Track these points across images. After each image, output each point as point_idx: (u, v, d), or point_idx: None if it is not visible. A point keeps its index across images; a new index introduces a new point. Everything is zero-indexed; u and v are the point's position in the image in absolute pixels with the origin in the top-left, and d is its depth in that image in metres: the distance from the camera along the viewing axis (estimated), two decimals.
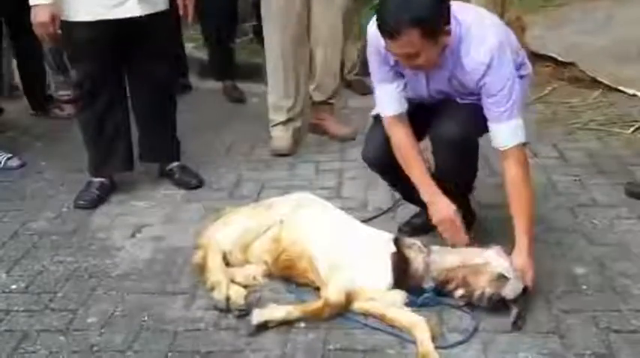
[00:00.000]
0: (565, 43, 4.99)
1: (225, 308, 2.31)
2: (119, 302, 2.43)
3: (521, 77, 2.39)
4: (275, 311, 2.23)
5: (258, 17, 5.33)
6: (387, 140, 2.53)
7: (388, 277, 2.30)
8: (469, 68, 2.30)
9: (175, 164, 3.38)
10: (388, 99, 2.48)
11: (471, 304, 2.31)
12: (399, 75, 2.44)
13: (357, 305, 2.29)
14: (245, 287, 2.43)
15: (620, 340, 2.14)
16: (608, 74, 4.54)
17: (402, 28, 2.12)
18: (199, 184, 3.35)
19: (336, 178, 3.42)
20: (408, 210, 2.97)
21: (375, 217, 2.97)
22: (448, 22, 2.22)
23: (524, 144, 2.35)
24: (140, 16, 2.96)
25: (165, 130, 3.34)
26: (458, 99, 2.46)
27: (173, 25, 3.25)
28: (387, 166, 2.61)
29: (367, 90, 4.69)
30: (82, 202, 3.15)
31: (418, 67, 2.31)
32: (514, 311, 2.25)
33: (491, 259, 2.33)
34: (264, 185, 3.37)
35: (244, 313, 2.28)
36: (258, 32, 5.41)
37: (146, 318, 2.33)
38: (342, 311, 2.27)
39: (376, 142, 2.61)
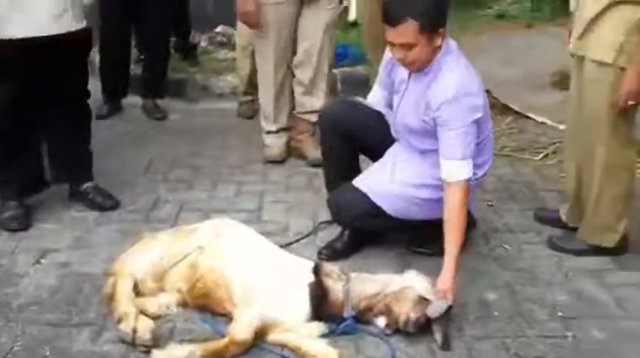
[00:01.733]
0: (480, 71, 5.15)
1: (132, 342, 2.23)
2: (19, 335, 2.31)
3: (477, 121, 2.48)
4: (176, 352, 2.15)
5: (179, 33, 5.32)
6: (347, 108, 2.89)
7: (305, 308, 2.29)
8: (438, 91, 2.46)
9: (89, 184, 3.26)
10: (371, 95, 2.89)
11: (396, 330, 2.33)
12: (389, 87, 2.76)
13: (271, 337, 2.26)
14: (158, 317, 2.38)
15: None
16: (520, 102, 4.72)
17: (403, 17, 2.37)
18: (114, 206, 3.24)
19: (257, 201, 3.39)
20: (329, 233, 2.99)
21: (295, 241, 2.97)
22: (443, 26, 2.44)
23: (467, 180, 2.45)
24: (53, 35, 2.86)
25: (77, 148, 3.22)
26: (412, 141, 2.64)
27: (88, 42, 3.13)
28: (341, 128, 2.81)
29: (292, 109, 4.71)
30: (14, 225, 3.00)
31: (410, 64, 2.49)
32: (440, 333, 2.30)
33: (411, 283, 2.37)
34: (182, 207, 3.30)
35: (151, 347, 2.21)
36: (177, 48, 5.37)
37: (48, 353, 2.23)
38: (248, 347, 2.22)
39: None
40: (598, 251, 2.84)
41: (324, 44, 3.75)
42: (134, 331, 2.24)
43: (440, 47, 2.47)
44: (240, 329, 2.20)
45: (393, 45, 2.48)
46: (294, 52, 3.79)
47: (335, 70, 5.19)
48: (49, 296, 2.54)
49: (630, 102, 2.58)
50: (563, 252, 2.89)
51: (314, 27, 3.71)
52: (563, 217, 3.07)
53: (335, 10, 3.80)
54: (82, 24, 3.00)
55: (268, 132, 3.92)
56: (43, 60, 2.89)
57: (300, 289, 2.31)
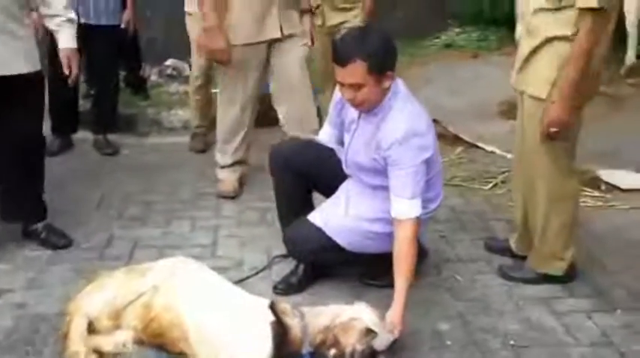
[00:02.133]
0: (429, 101, 5.30)
1: None
2: None
3: (426, 160, 2.54)
4: None
5: (129, 67, 5.32)
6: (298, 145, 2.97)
7: (267, 347, 2.29)
8: (387, 132, 2.52)
9: (41, 223, 3.23)
10: (322, 132, 2.97)
11: None
12: (339, 126, 2.83)
13: None
14: (115, 355, 2.36)
15: None
16: (469, 131, 4.87)
17: (352, 58, 2.41)
18: (67, 244, 3.21)
19: (212, 236, 3.40)
20: (283, 267, 3.02)
21: (249, 277, 2.98)
22: (392, 69, 2.48)
23: (417, 217, 2.51)
24: (6, 76, 2.85)
25: (30, 188, 3.19)
26: (363, 178, 2.69)
27: (41, 85, 3.12)
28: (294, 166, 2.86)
29: None
30: None
31: (358, 104, 2.54)
32: None
33: (359, 314, 2.40)
34: (137, 243, 3.29)
35: None
36: (128, 82, 5.36)
37: None
38: None
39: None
40: (547, 279, 2.93)
41: (304, 79, 3.76)
42: None
43: (389, 89, 2.53)
44: None
45: (342, 85, 2.53)
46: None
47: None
48: (5, 338, 2.50)
49: (553, 130, 2.67)
50: (513, 280, 2.98)
51: (291, 63, 3.70)
52: (513, 246, 3.17)
53: (306, 45, 3.80)
54: (37, 67, 3.00)
55: (222, 167, 3.94)
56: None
57: (261, 328, 2.31)
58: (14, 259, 3.09)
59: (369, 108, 2.57)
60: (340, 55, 2.46)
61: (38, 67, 3.03)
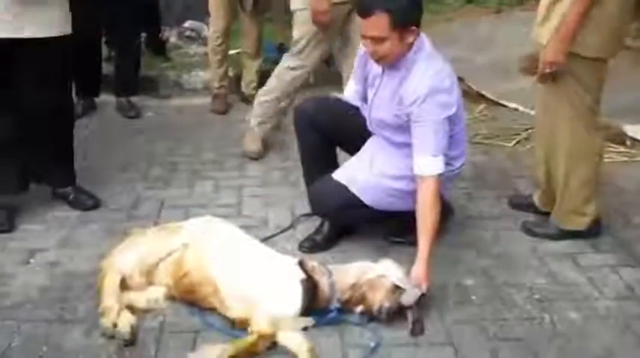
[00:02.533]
0: (452, 59, 5.25)
1: (111, 336, 2.28)
2: (15, 332, 2.34)
3: (449, 117, 2.53)
4: (210, 353, 2.17)
5: (149, 29, 5.31)
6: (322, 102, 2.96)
7: (297, 303, 2.34)
8: (410, 88, 2.51)
9: (70, 186, 3.28)
10: (347, 89, 2.97)
11: (371, 318, 2.41)
12: (364, 82, 2.82)
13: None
14: (147, 311, 2.43)
15: (507, 348, 2.30)
16: (492, 89, 4.83)
17: (374, 10, 2.40)
18: (95, 205, 3.26)
19: (236, 196, 3.44)
20: (308, 226, 3.05)
21: (275, 235, 3.02)
22: (416, 25, 2.47)
23: (439, 174, 2.52)
24: (34, 38, 2.87)
25: (61, 154, 3.24)
26: (386, 135, 2.69)
27: (68, 49, 3.13)
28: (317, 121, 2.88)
29: None
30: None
31: (380, 59, 2.53)
32: (410, 317, 2.37)
33: (385, 272, 2.44)
34: (163, 204, 3.33)
35: (128, 343, 2.26)
36: (148, 44, 5.36)
37: (44, 349, 2.26)
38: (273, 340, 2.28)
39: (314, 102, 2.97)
40: (570, 235, 2.95)
41: None
42: (114, 325, 2.29)
43: (412, 44, 2.51)
44: (265, 324, 2.25)
45: (364, 37, 2.52)
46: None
47: None
48: (40, 295, 2.57)
49: (547, 70, 2.69)
50: (537, 236, 3.00)
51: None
52: (537, 202, 3.18)
53: None
54: (69, 30, 3.02)
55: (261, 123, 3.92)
56: (28, 60, 2.91)
57: (293, 285, 2.36)
58: (45, 220, 3.15)
59: (390, 62, 2.56)
60: (363, 6, 2.45)
61: (69, 31, 3.04)
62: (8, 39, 2.82)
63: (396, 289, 2.39)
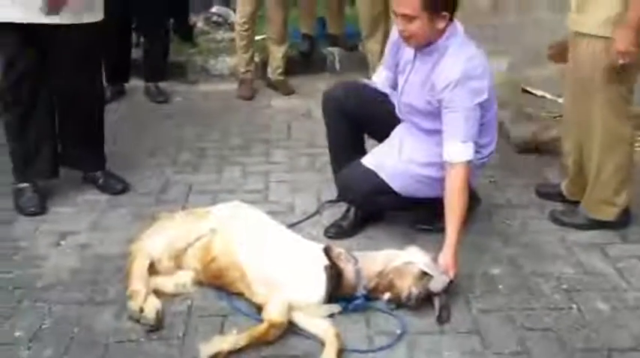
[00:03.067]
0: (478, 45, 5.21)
1: (137, 320, 2.32)
2: (46, 314, 2.39)
3: (480, 104, 2.52)
4: (222, 344, 2.18)
5: (177, 14, 5.33)
6: (351, 89, 2.94)
7: (321, 290, 2.35)
8: (443, 73, 2.50)
9: (100, 171, 3.33)
10: (376, 74, 2.97)
11: (399, 305, 2.41)
12: (394, 68, 2.80)
13: None
14: (175, 295, 2.47)
15: (535, 337, 2.29)
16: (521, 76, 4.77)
17: None
18: (125, 189, 3.31)
19: (263, 181, 3.46)
20: (334, 212, 3.07)
21: (302, 221, 3.04)
22: (447, 11, 2.45)
23: (468, 161, 2.51)
24: (70, 24, 2.91)
25: (91, 139, 3.29)
26: (416, 121, 2.68)
27: (100, 33, 3.18)
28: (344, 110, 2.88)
29: (290, 91, 4.79)
30: (32, 209, 3.06)
31: (408, 38, 2.53)
32: (437, 304, 2.37)
33: (412, 258, 2.45)
34: (191, 189, 3.37)
35: (153, 329, 2.29)
36: (176, 30, 5.39)
37: (75, 330, 2.31)
38: (285, 328, 2.27)
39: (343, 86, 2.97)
40: (599, 224, 2.93)
41: None
42: (141, 310, 2.33)
43: (443, 30, 2.50)
44: (276, 312, 2.25)
45: (396, 15, 2.52)
46: None
47: (331, 49, 5.29)
48: (71, 277, 2.61)
49: (621, 62, 2.60)
50: (565, 226, 2.98)
51: None
52: (564, 191, 3.15)
53: None
54: (102, 16, 3.08)
55: None
56: (65, 44, 2.96)
57: (317, 272, 2.37)
58: (76, 203, 3.20)
59: (418, 44, 2.55)
60: None
61: (103, 16, 3.09)
62: (49, 25, 2.86)
63: (424, 275, 2.40)
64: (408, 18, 2.46)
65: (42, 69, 3.01)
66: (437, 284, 2.38)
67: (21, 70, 2.94)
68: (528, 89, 4.64)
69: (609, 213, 2.91)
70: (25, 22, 2.83)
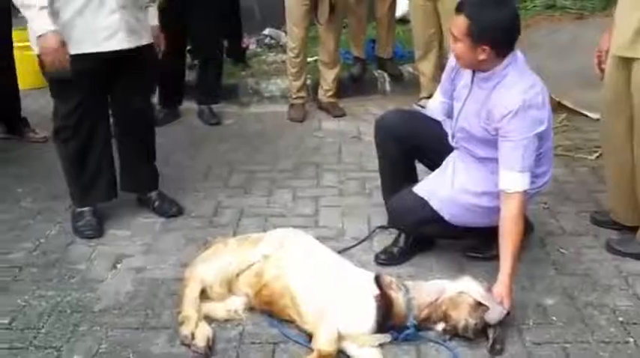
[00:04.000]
0: (531, 65, 5.14)
1: (188, 346, 2.35)
2: (103, 338, 2.45)
3: (539, 134, 2.51)
4: None
5: (231, 37, 5.43)
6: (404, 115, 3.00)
7: (371, 319, 2.35)
8: (501, 102, 2.49)
9: (154, 192, 3.41)
10: (432, 100, 3.01)
11: (453, 336, 2.39)
12: (450, 94, 2.81)
13: None
14: (227, 320, 2.50)
15: None
16: (574, 98, 4.70)
17: (462, 10, 2.45)
18: (178, 212, 3.38)
19: (313, 205, 3.49)
20: (385, 238, 3.06)
21: (352, 247, 3.04)
22: (491, 47, 2.44)
23: (525, 191, 2.49)
24: (127, 49, 3.00)
25: (146, 161, 3.37)
26: (470, 148, 2.67)
27: (155, 56, 3.27)
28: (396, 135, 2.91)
29: (341, 113, 4.82)
30: (89, 233, 3.15)
31: (456, 57, 2.58)
32: (491, 335, 2.34)
33: (466, 288, 2.42)
34: (242, 212, 3.41)
35: (201, 355, 2.31)
36: (229, 53, 5.48)
37: (131, 355, 2.36)
38: None
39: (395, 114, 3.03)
40: None
41: None
42: (192, 336, 2.36)
43: (485, 61, 2.47)
44: (326, 342, 2.27)
45: (450, 30, 2.55)
46: None
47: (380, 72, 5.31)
48: (127, 301, 2.67)
49: None
50: (621, 255, 2.90)
51: None
52: (615, 217, 3.08)
53: None
54: (150, 39, 3.16)
55: None
56: (117, 73, 3.04)
57: (366, 301, 2.37)
58: (130, 226, 3.28)
59: (464, 65, 2.58)
60: (460, 3, 2.49)
61: (151, 40, 3.19)
62: (106, 52, 2.96)
63: (479, 306, 2.37)
64: (455, 37, 2.50)
65: (102, 102, 3.12)
66: (493, 315, 2.35)
67: (82, 107, 3.03)
68: (583, 111, 4.56)
69: None
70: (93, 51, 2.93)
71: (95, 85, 3.03)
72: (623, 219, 3.06)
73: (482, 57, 2.46)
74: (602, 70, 3.00)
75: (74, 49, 2.88)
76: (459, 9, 2.47)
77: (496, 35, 2.43)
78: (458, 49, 2.50)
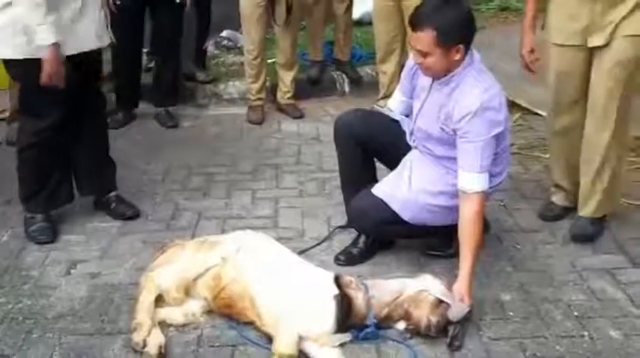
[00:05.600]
0: (486, 65, 5.20)
1: (140, 353, 2.31)
2: (56, 345, 2.39)
3: (496, 135, 2.53)
4: None
5: (200, 40, 5.35)
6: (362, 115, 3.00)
7: (331, 319, 2.34)
8: (460, 103, 2.52)
9: (112, 194, 3.35)
10: (392, 99, 2.99)
11: (414, 334, 2.41)
12: (409, 93, 2.84)
13: None
14: (184, 325, 2.47)
15: None
16: (527, 97, 4.77)
17: (423, 25, 2.46)
18: (135, 215, 3.32)
19: (273, 207, 3.47)
20: (344, 238, 3.07)
21: (311, 248, 3.04)
22: (463, 44, 2.49)
23: (484, 191, 2.53)
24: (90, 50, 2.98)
25: (101, 159, 3.31)
26: (428, 147, 2.70)
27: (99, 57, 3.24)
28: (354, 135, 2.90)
29: (300, 114, 4.81)
30: (42, 238, 3.08)
31: (425, 70, 2.58)
32: (451, 332, 2.36)
33: (426, 286, 2.44)
34: (201, 215, 3.38)
35: None
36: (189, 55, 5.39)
37: None
38: None
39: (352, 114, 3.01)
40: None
41: None
42: (144, 343, 2.33)
43: (459, 60, 2.51)
44: (286, 345, 2.26)
45: (412, 48, 2.57)
46: None
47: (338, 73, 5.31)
48: (82, 307, 2.62)
49: None
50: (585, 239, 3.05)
51: None
52: (560, 202, 3.27)
53: None
54: (108, 41, 3.12)
55: None
56: (74, 77, 2.97)
57: (326, 301, 2.37)
58: (85, 230, 3.21)
59: (436, 74, 2.58)
60: (414, 20, 2.51)
61: (109, 42, 3.15)
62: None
63: (440, 303, 2.39)
64: (423, 53, 2.50)
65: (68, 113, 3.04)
66: (456, 312, 2.37)
67: (54, 126, 2.99)
68: (537, 111, 4.63)
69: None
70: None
71: (73, 94, 2.97)
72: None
73: (457, 57, 2.50)
74: (531, 70, 3.14)
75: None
76: (416, 26, 2.47)
77: (463, 31, 2.49)
78: (429, 62, 2.51)
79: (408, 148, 2.83)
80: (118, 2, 4.07)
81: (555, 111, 3.15)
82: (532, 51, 3.07)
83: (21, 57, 2.82)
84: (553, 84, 3.08)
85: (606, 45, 2.84)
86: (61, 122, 2.99)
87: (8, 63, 2.91)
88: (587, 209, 3.08)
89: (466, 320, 2.43)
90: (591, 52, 2.91)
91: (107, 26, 3.09)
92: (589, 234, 3.05)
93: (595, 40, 2.86)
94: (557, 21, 2.97)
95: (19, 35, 2.78)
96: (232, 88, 5.18)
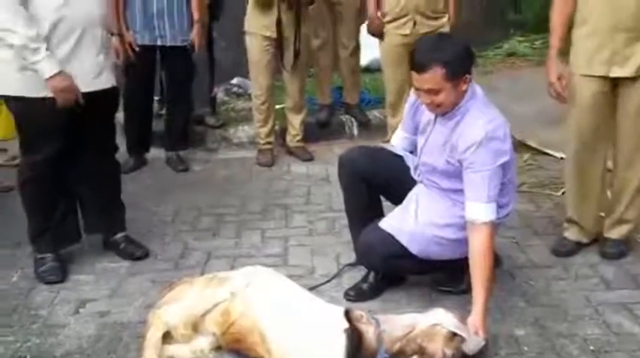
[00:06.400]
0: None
1: None
2: None
3: (502, 165, 2.53)
4: None
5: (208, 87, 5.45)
6: (366, 151, 2.99)
7: (341, 354, 2.29)
8: (465, 134, 2.53)
9: (120, 234, 3.35)
10: (395, 136, 3.01)
11: None
12: (412, 130, 2.86)
13: None
14: None
15: None
16: (537, 138, 4.79)
17: (430, 65, 2.46)
18: (144, 255, 3.31)
19: (282, 245, 3.46)
20: (354, 274, 3.04)
21: (322, 284, 3.01)
22: (469, 73, 2.52)
23: (492, 222, 2.51)
24: (101, 89, 3.01)
25: (110, 200, 3.33)
26: (434, 180, 2.70)
27: (116, 99, 3.27)
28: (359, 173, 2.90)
29: (309, 157, 4.84)
30: (52, 278, 3.07)
31: (436, 108, 2.57)
32: None
33: (438, 320, 2.40)
34: (210, 254, 3.37)
35: None
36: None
37: None
38: None
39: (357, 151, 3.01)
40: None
41: None
42: None
43: (466, 91, 2.54)
44: None
45: (418, 90, 2.57)
46: None
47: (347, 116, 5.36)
48: (90, 346, 2.59)
49: None
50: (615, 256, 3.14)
51: None
52: (574, 237, 3.26)
53: None
54: (114, 82, 3.15)
55: None
56: (81, 116, 2.99)
57: (336, 335, 2.33)
58: (95, 270, 3.21)
59: (446, 110, 2.58)
60: (418, 63, 2.50)
61: (115, 83, 3.18)
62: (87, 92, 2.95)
63: (454, 337, 2.35)
64: (433, 92, 2.51)
65: (71, 148, 3.06)
66: (472, 345, 2.33)
67: (52, 159, 3.00)
68: (547, 151, 4.64)
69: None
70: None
71: (70, 129, 2.99)
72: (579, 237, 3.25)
73: (465, 86, 2.53)
74: (563, 97, 3.10)
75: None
76: (424, 67, 2.47)
77: (467, 62, 2.53)
78: (440, 99, 2.52)
79: (413, 183, 2.83)
80: (137, 48, 4.18)
81: (576, 144, 3.12)
82: (560, 78, 3.05)
83: (17, 94, 2.87)
84: (575, 116, 3.07)
85: (633, 79, 2.87)
86: (57, 155, 3.00)
87: (7, 98, 2.96)
88: (617, 232, 3.18)
89: (482, 354, 2.39)
90: (616, 84, 2.93)
91: (112, 69, 3.12)
92: (622, 250, 3.16)
93: (618, 71, 2.88)
94: (582, 52, 2.99)
95: (15, 72, 2.83)
96: (242, 132, 5.23)
